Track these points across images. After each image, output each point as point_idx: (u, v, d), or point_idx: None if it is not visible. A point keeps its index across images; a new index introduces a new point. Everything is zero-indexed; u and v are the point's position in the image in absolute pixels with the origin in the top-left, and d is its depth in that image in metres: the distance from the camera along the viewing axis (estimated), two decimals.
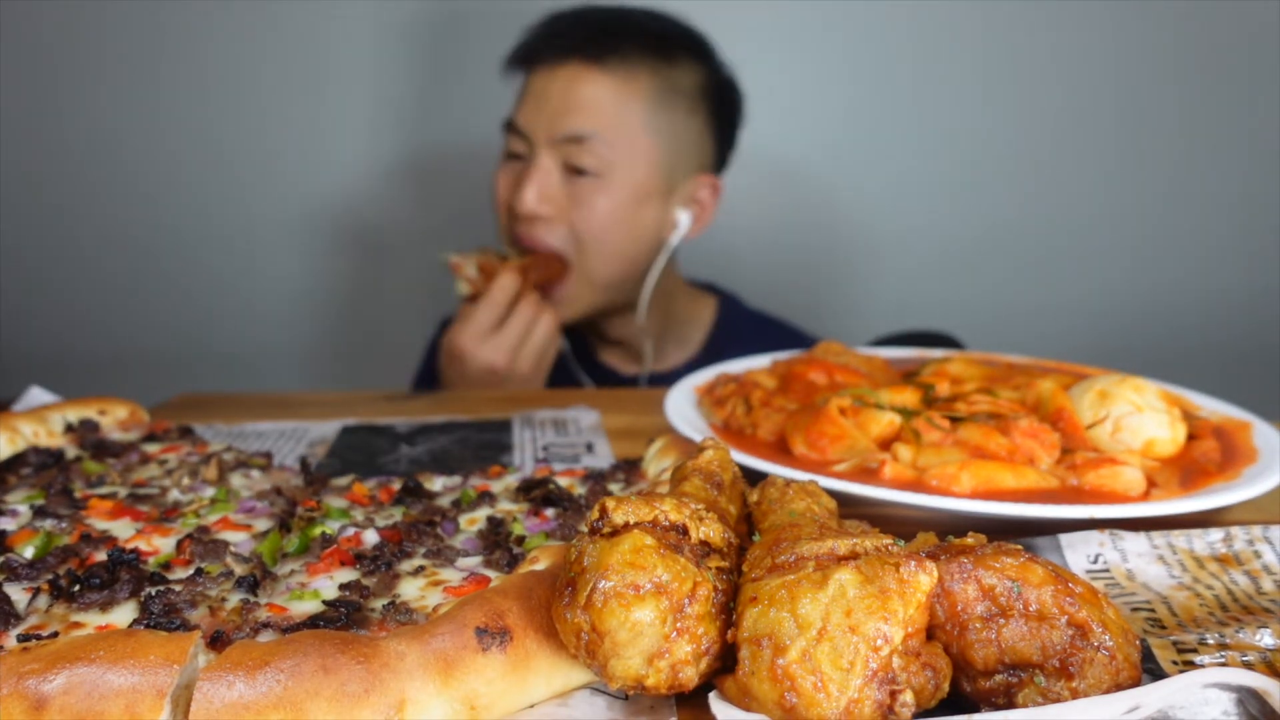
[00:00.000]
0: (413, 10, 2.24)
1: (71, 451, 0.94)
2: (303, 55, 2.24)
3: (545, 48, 1.68)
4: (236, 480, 0.85)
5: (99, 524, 0.73)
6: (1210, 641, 0.56)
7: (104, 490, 0.82)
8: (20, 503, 0.78)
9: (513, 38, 1.74)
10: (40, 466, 0.87)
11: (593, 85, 1.63)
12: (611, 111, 1.64)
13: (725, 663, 0.50)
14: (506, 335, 1.54)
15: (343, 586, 0.62)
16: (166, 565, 0.66)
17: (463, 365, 1.55)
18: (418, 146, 2.32)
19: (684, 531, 0.54)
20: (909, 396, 0.98)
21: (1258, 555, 0.68)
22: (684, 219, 1.73)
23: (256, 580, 0.61)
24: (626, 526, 0.53)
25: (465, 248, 1.66)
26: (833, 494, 0.67)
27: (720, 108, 1.76)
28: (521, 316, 1.55)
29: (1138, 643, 0.51)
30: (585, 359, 1.88)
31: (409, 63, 2.27)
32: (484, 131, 2.29)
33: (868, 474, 0.84)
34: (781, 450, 0.93)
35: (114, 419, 1.03)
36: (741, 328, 1.91)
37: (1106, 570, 0.68)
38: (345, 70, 2.26)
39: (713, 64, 1.75)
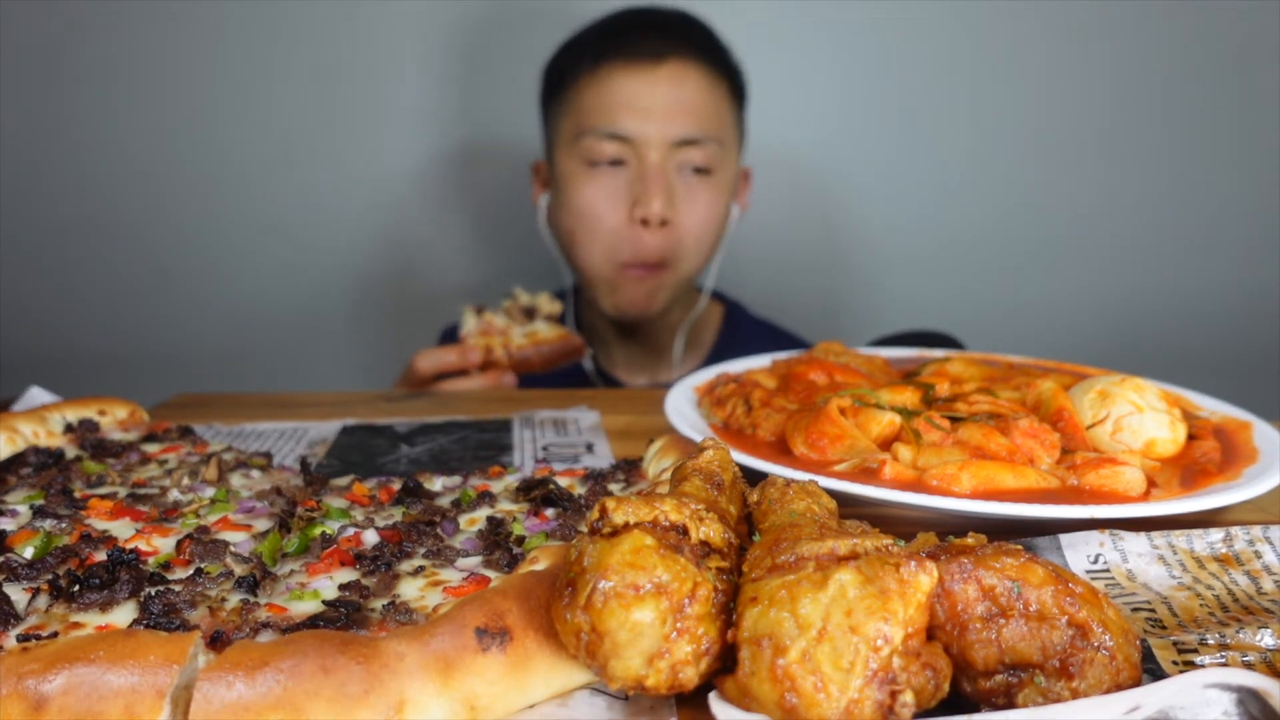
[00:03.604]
0: (431, 12, 2.23)
1: (71, 451, 0.94)
2: (310, 55, 2.24)
3: (636, 48, 1.65)
4: (236, 480, 0.85)
5: (99, 524, 0.73)
6: (1211, 642, 0.56)
7: (104, 490, 0.82)
8: (20, 503, 0.78)
9: (539, 41, 1.73)
10: (40, 466, 0.87)
11: (694, 83, 1.64)
12: (715, 109, 1.67)
13: (725, 663, 0.50)
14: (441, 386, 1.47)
15: (342, 587, 0.62)
16: (166, 565, 0.66)
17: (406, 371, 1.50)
18: (428, 152, 2.32)
19: (684, 532, 0.54)
20: (909, 396, 0.98)
21: (1258, 555, 0.68)
22: (735, 210, 1.81)
23: (256, 580, 0.61)
24: (626, 526, 0.53)
25: (479, 260, 1.62)
26: (833, 494, 0.67)
27: (743, 97, 1.81)
28: (450, 389, 1.46)
29: (1138, 643, 0.51)
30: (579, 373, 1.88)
31: (417, 66, 2.27)
32: (483, 137, 2.30)
33: (868, 474, 0.84)
34: (781, 450, 0.93)
35: (114, 419, 1.03)
36: (746, 336, 1.92)
37: (1107, 570, 0.68)
38: (349, 70, 2.25)
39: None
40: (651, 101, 1.62)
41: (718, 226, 1.73)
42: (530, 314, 1.54)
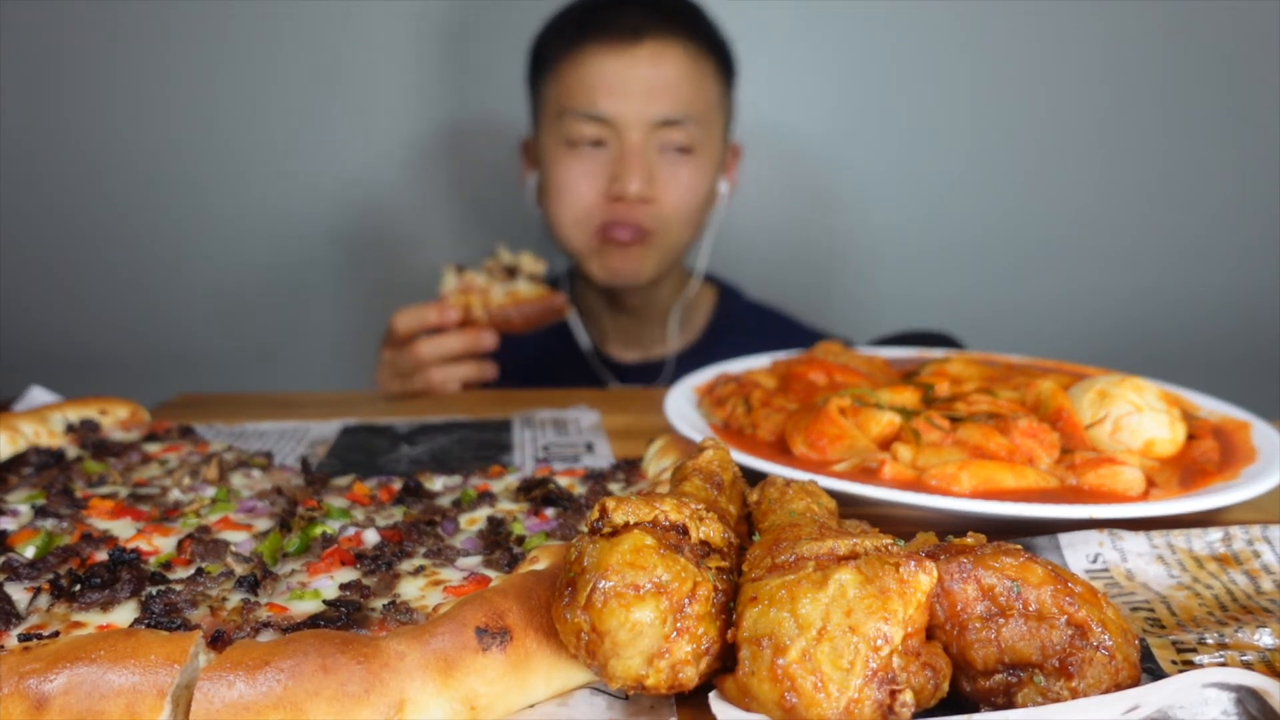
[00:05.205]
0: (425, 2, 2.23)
1: (72, 451, 0.94)
2: (310, 51, 2.24)
3: (614, 27, 1.64)
4: (237, 480, 0.86)
5: (100, 524, 0.73)
6: (1210, 641, 0.56)
7: (105, 490, 0.82)
8: (21, 502, 0.78)
9: (527, 19, 1.71)
10: (41, 466, 0.87)
11: (675, 63, 1.63)
12: (696, 87, 1.66)
13: (725, 663, 0.50)
14: (406, 353, 1.45)
15: (343, 586, 0.62)
16: (167, 565, 0.66)
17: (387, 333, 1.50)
18: (426, 148, 2.32)
19: (684, 531, 0.55)
20: (909, 396, 0.99)
21: (1257, 555, 0.68)
22: (724, 188, 1.81)
23: (257, 580, 0.62)
24: (626, 526, 0.53)
25: (470, 245, 1.60)
26: (833, 494, 0.67)
27: (731, 72, 1.80)
28: (427, 347, 1.44)
29: (1137, 642, 0.51)
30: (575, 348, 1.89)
31: (418, 59, 2.27)
32: (475, 116, 2.30)
33: (868, 474, 0.85)
34: (781, 450, 0.93)
35: (115, 419, 1.03)
36: (741, 318, 1.94)
37: (1106, 570, 0.68)
38: (352, 68, 2.25)
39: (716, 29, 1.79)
40: (630, 82, 1.61)
41: (702, 203, 1.73)
42: (512, 273, 1.52)
